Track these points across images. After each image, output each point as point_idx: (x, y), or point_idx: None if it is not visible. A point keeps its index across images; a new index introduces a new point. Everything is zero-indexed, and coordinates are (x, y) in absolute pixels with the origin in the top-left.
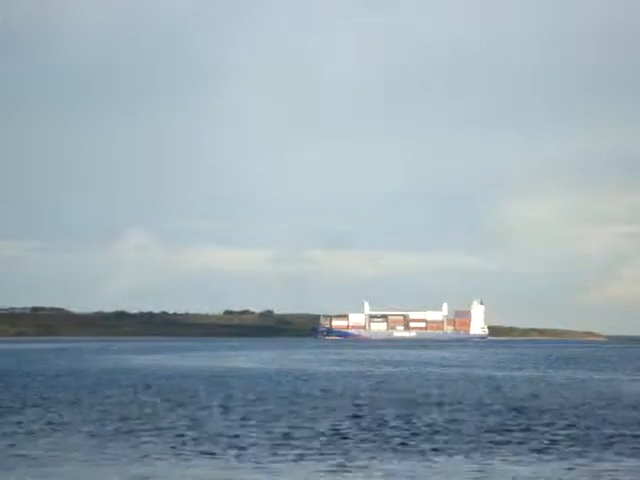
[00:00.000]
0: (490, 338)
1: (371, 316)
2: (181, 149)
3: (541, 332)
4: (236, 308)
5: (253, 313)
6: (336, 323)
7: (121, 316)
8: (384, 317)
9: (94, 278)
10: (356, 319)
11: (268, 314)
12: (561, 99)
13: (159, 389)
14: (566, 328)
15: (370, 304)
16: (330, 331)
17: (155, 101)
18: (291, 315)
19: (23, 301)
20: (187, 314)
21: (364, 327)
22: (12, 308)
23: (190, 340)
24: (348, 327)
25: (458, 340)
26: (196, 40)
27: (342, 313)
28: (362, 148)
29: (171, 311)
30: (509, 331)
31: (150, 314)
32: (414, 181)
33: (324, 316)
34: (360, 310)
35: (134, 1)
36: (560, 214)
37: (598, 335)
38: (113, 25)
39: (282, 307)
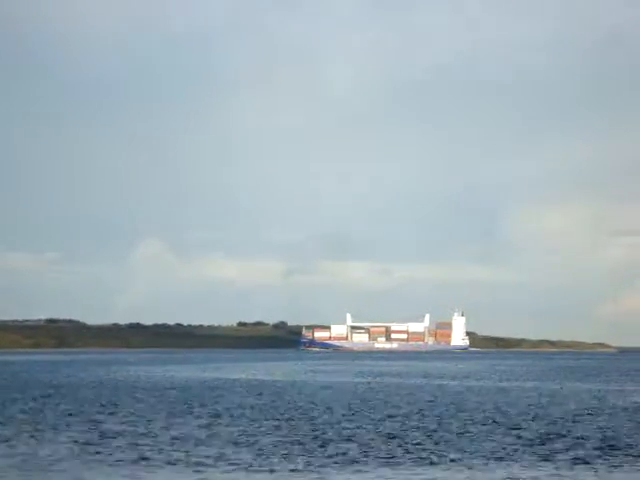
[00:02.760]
0: (472, 349)
1: (353, 327)
2: (194, 160)
3: (552, 343)
4: (250, 319)
5: (267, 324)
6: (318, 334)
7: (136, 328)
8: (366, 329)
9: (109, 290)
10: (338, 330)
11: (282, 325)
12: (576, 109)
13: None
14: (578, 339)
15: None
16: (312, 342)
17: (168, 112)
18: (304, 326)
19: (38, 313)
20: (201, 326)
21: (346, 338)
22: (27, 320)
23: (209, 351)
24: (330, 338)
25: (439, 351)
26: (206, 51)
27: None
28: (369, 159)
29: (185, 323)
30: (520, 342)
31: (164, 325)
32: (425, 191)
33: (306, 327)
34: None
35: (145, 8)
36: (573, 225)
37: (609, 346)
38: (123, 33)
39: (295, 318)
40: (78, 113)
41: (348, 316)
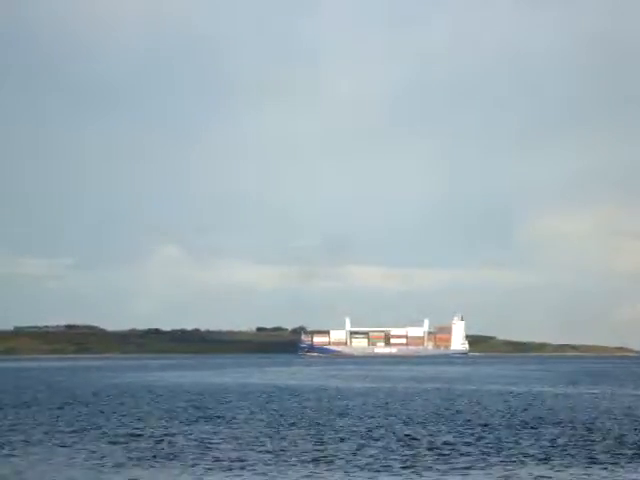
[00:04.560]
0: (471, 354)
1: (352, 332)
2: (211, 166)
3: (574, 348)
4: (268, 325)
5: (285, 329)
6: (317, 339)
7: (154, 333)
8: (365, 333)
9: (127, 295)
10: (337, 335)
11: (300, 330)
12: (592, 112)
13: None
14: (599, 344)
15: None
16: (312, 347)
17: (184, 116)
18: (303, 331)
19: (57, 319)
20: (220, 331)
21: (345, 343)
22: (46, 326)
23: (228, 357)
24: (329, 343)
25: (438, 356)
26: (221, 55)
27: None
28: (377, 164)
29: (204, 328)
30: (541, 347)
31: (183, 331)
32: (445, 199)
33: (305, 332)
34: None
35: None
36: (592, 228)
37: (630, 350)
38: (142, 41)
39: (314, 323)
40: (94, 116)
41: (347, 321)
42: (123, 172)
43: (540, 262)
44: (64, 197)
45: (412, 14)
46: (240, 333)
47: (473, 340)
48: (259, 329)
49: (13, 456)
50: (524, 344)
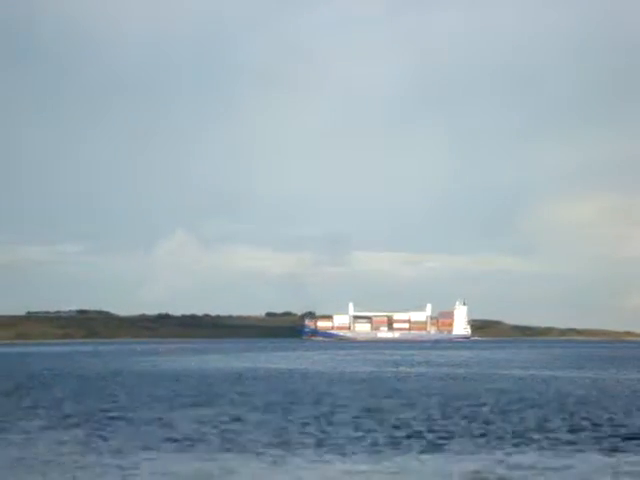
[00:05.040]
0: (474, 338)
1: (355, 317)
2: (220, 153)
3: (579, 332)
4: (278, 310)
5: (295, 315)
6: (321, 324)
7: (164, 318)
8: (368, 318)
9: (138, 281)
10: (340, 320)
11: (309, 316)
12: (597, 101)
13: None
14: (605, 328)
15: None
16: (315, 332)
17: (192, 105)
18: (306, 316)
19: (69, 304)
20: (230, 316)
21: (348, 328)
22: (58, 311)
23: (236, 342)
24: (332, 328)
25: (440, 340)
26: (220, 49)
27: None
28: (398, 155)
29: (214, 313)
30: (547, 331)
31: (193, 316)
32: (452, 187)
33: (311, 317)
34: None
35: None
36: (599, 216)
37: (637, 335)
38: (149, 33)
39: (323, 308)
40: (98, 108)
41: (350, 305)
42: (133, 159)
43: (545, 249)
44: (75, 184)
45: (413, 11)
46: (250, 318)
47: (480, 325)
48: (268, 314)
49: (17, 441)
50: (530, 329)
